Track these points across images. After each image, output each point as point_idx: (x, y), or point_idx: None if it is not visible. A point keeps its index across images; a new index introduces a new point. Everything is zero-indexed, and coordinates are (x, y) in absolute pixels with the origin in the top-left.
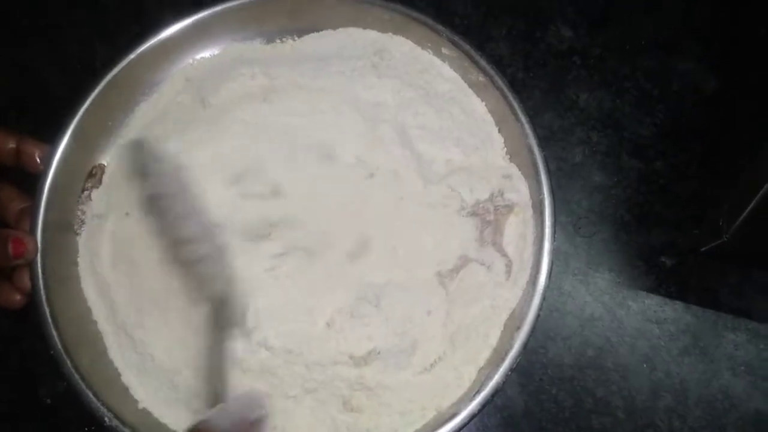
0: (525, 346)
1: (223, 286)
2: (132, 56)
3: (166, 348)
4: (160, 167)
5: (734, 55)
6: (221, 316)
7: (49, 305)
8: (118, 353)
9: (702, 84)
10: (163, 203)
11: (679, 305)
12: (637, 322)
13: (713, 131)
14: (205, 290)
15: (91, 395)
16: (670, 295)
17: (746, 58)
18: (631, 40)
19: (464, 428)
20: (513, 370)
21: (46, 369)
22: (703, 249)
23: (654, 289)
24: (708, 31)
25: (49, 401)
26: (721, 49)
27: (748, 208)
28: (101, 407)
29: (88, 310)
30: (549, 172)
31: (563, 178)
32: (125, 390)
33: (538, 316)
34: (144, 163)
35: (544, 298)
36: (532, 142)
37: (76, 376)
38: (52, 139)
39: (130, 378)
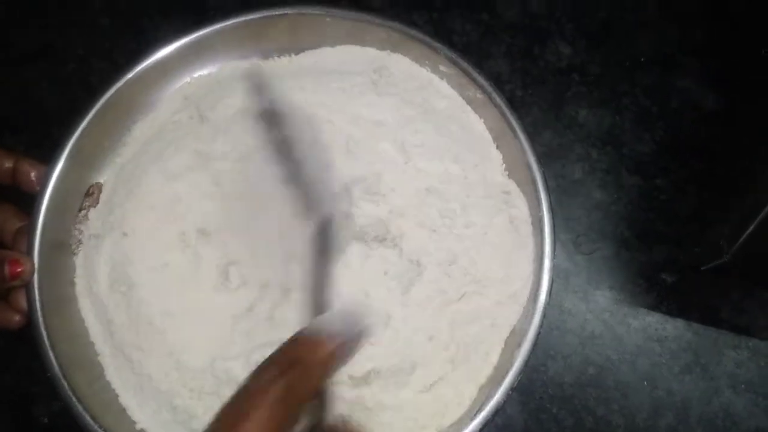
0: (526, 364)
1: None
2: (129, 75)
3: (164, 370)
4: (291, 113)
5: (733, 72)
6: (327, 237)
7: (46, 326)
8: (115, 375)
9: (701, 101)
10: (295, 147)
11: (680, 323)
12: (638, 339)
13: (713, 148)
14: (314, 209)
15: (88, 418)
16: (671, 313)
17: (745, 76)
18: (630, 57)
19: None
20: (514, 388)
21: (42, 387)
22: (703, 267)
23: (655, 307)
24: (707, 48)
25: (45, 420)
26: (720, 66)
27: (750, 229)
28: (99, 430)
29: (86, 331)
30: (548, 188)
31: (563, 195)
32: (123, 411)
33: (538, 334)
34: (272, 105)
35: (544, 316)
36: (531, 158)
37: (73, 398)
38: (49, 159)
39: (127, 399)
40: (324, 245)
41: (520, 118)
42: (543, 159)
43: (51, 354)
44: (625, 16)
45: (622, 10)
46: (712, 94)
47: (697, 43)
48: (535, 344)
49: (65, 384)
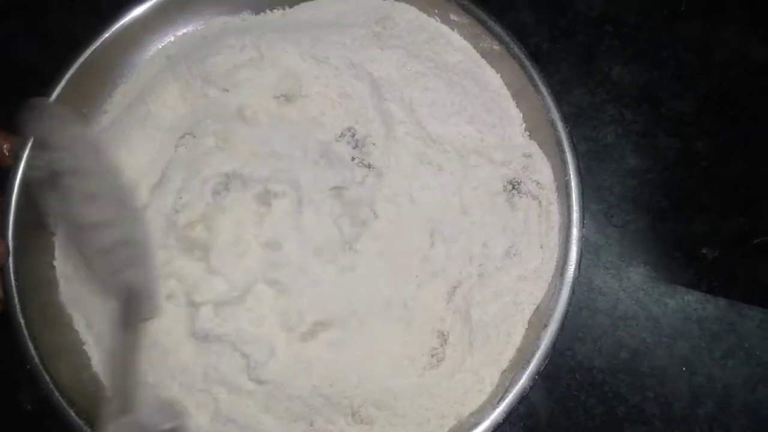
0: (553, 347)
1: (137, 275)
2: (106, 35)
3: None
4: (73, 139)
5: None
6: (131, 310)
7: (24, 315)
8: (100, 365)
9: (748, 53)
10: (69, 181)
11: (722, 302)
12: (675, 320)
13: (762, 106)
14: (115, 280)
15: (72, 413)
16: (712, 291)
17: None
18: (669, 6)
19: None
20: (540, 373)
21: (26, 373)
22: (756, 241)
23: (694, 285)
24: None
25: (29, 407)
26: None
27: None
28: (84, 426)
29: (70, 317)
30: (575, 149)
31: (593, 161)
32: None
33: (566, 313)
34: (52, 132)
35: (573, 292)
36: (555, 116)
37: (56, 393)
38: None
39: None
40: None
41: (546, 75)
42: (571, 120)
43: (30, 344)
44: None
45: None
46: (760, 45)
47: None
48: (563, 325)
49: (46, 377)
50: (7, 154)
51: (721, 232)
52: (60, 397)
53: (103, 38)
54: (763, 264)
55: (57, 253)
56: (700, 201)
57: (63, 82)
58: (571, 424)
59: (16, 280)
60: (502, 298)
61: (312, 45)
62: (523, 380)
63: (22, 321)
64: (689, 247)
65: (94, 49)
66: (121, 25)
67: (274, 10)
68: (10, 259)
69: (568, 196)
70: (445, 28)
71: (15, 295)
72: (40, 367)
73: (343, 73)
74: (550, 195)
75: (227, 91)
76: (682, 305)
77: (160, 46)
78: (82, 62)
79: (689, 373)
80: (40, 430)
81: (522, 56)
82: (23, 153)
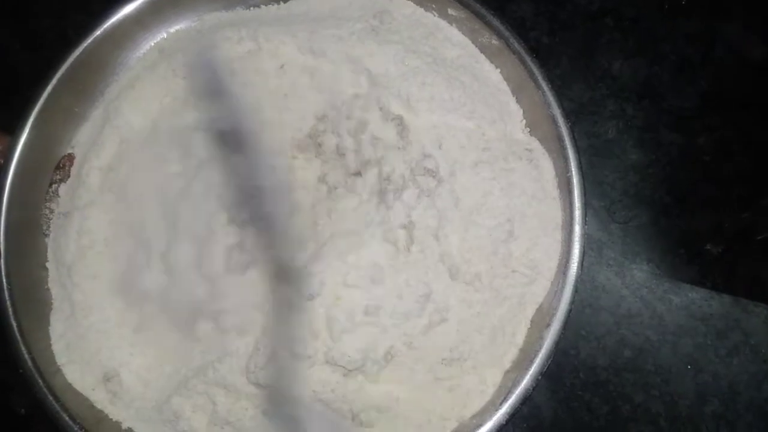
0: (556, 346)
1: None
2: (97, 33)
3: (141, 374)
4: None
5: None
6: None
7: (17, 318)
8: None
9: (749, 49)
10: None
11: (726, 299)
12: (679, 318)
13: (763, 101)
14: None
15: (66, 417)
16: (716, 288)
17: None
18: (669, 0)
19: None
20: (543, 373)
21: (20, 377)
22: (760, 237)
23: (698, 281)
24: None
25: (23, 411)
26: None
27: None
28: (78, 430)
29: None
30: (576, 144)
31: (594, 157)
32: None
33: (569, 312)
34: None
35: (575, 291)
36: (556, 111)
37: (49, 397)
38: (14, 128)
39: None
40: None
41: (547, 69)
42: (572, 116)
43: (23, 348)
44: None
45: None
46: (761, 41)
47: None
48: (566, 324)
49: (40, 381)
50: None
51: (725, 227)
52: (53, 402)
53: (95, 36)
54: (764, 259)
55: (49, 255)
56: (703, 196)
57: (54, 81)
58: (575, 424)
59: (8, 283)
60: (510, 300)
61: (309, 38)
62: (526, 381)
63: (14, 324)
64: (693, 243)
65: (86, 47)
66: (113, 23)
67: (269, 5)
68: (2, 262)
69: (570, 192)
70: (443, 23)
71: (7, 298)
72: (33, 371)
73: (341, 67)
74: (552, 191)
75: None
76: (687, 302)
77: (152, 43)
78: (74, 61)
79: (694, 371)
80: None
81: (521, 51)
82: (14, 153)
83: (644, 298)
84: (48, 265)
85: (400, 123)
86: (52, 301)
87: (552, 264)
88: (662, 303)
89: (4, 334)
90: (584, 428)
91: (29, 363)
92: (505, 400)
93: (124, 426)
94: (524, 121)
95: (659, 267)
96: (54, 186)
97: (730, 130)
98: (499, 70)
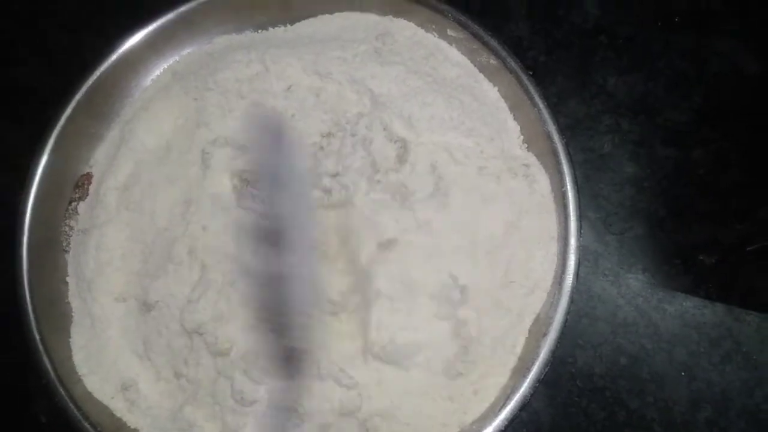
0: (553, 354)
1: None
2: (112, 58)
3: (156, 384)
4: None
5: None
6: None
7: (39, 329)
8: None
9: (743, 64)
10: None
11: (720, 308)
12: (674, 327)
13: (758, 116)
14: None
15: (87, 425)
16: (710, 297)
17: None
18: (663, 17)
19: None
20: (541, 380)
21: (40, 384)
22: (750, 248)
23: (692, 291)
24: (748, 5)
25: (44, 420)
26: (763, 25)
27: None
28: None
29: None
30: (571, 159)
31: (591, 170)
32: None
33: (565, 321)
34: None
35: (571, 301)
36: (551, 128)
37: (71, 406)
38: (34, 149)
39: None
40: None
41: (543, 87)
42: (568, 131)
43: (45, 357)
44: None
45: None
46: (754, 56)
47: (737, 1)
48: (562, 333)
49: (61, 390)
50: None
51: (719, 239)
52: (75, 410)
53: (110, 61)
54: (760, 270)
55: (69, 270)
56: (697, 209)
57: (72, 104)
58: (572, 430)
59: (31, 297)
60: (512, 313)
61: (315, 60)
62: (524, 388)
63: (37, 336)
64: (687, 254)
65: (101, 72)
66: (127, 48)
67: (277, 28)
68: (25, 275)
69: (565, 206)
70: (443, 44)
71: (30, 311)
72: (56, 380)
73: (346, 88)
74: (548, 204)
75: None
76: (681, 311)
77: (165, 66)
78: (90, 85)
79: (688, 378)
80: None
81: (518, 70)
82: (35, 174)
83: (639, 307)
84: (68, 279)
85: (403, 146)
86: (72, 314)
87: (548, 275)
88: (657, 312)
89: (27, 345)
90: None
91: (51, 373)
92: (504, 406)
93: None
94: (521, 138)
95: (654, 277)
96: (73, 204)
97: (724, 145)
98: (497, 88)
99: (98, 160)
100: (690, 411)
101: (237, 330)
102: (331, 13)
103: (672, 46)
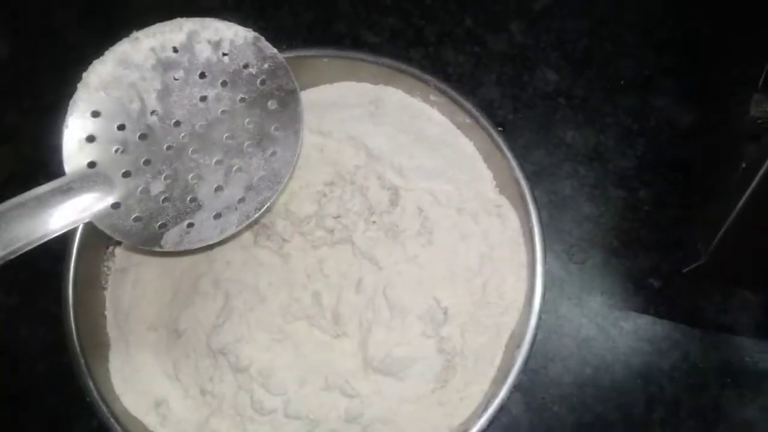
0: (526, 363)
1: None
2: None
3: (184, 400)
4: None
5: (706, 91)
6: None
7: (84, 356)
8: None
9: (677, 118)
10: None
11: (667, 324)
12: (630, 341)
13: (690, 161)
14: None
15: None
16: (659, 315)
17: (717, 94)
18: (611, 81)
19: None
20: (516, 386)
21: (80, 407)
22: (684, 270)
23: (644, 310)
24: (681, 69)
25: None
26: (694, 85)
27: (721, 232)
28: None
29: None
30: (536, 200)
31: (555, 210)
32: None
33: (535, 336)
34: None
35: (540, 318)
36: (519, 175)
37: (112, 420)
38: None
39: (156, 424)
40: None
41: (512, 140)
42: (534, 177)
43: (90, 382)
44: (605, 44)
45: (602, 39)
46: (687, 111)
47: (671, 67)
48: (535, 347)
49: (104, 407)
50: None
51: (663, 265)
52: (115, 423)
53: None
54: (697, 290)
55: (107, 304)
56: (644, 240)
57: None
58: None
59: (76, 328)
60: (490, 330)
61: (318, 122)
62: (503, 393)
63: (82, 361)
64: (638, 278)
65: None
66: None
67: None
68: (71, 311)
69: (532, 240)
70: (426, 107)
71: (76, 340)
72: (98, 399)
73: (344, 144)
74: (518, 239)
75: None
76: (635, 327)
77: None
78: None
79: (644, 384)
80: None
81: (489, 127)
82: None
83: (600, 325)
84: (106, 313)
85: (394, 192)
86: (110, 342)
87: (520, 297)
88: (615, 329)
89: (73, 369)
90: None
91: (95, 393)
92: (485, 410)
93: None
94: (494, 183)
95: (611, 299)
96: (111, 248)
97: (665, 186)
98: (472, 142)
99: None
100: (646, 412)
101: (255, 349)
102: (331, 83)
103: (619, 105)
